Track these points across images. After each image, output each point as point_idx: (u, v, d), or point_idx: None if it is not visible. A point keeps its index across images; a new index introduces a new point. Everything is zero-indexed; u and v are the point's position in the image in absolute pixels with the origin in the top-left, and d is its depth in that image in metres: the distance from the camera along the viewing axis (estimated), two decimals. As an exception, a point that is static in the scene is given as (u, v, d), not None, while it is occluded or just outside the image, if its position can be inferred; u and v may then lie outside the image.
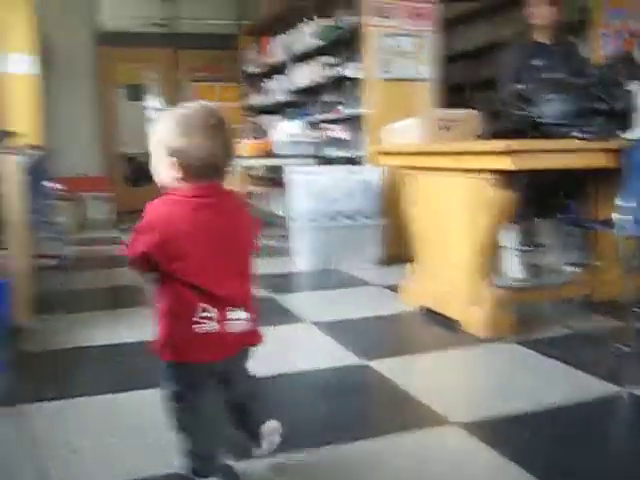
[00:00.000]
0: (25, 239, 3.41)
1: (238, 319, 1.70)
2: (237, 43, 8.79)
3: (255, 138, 6.64)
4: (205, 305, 1.65)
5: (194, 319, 1.65)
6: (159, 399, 1.76)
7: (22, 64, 6.44)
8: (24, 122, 6.25)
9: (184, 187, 1.68)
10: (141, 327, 3.41)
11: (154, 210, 1.68)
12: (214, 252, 1.67)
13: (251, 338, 1.79)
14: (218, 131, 1.67)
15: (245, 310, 1.72)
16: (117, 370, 2.85)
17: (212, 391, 1.78)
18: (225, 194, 1.74)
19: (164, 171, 1.70)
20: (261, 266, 4.71)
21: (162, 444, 1.94)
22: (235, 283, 1.72)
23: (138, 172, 9.67)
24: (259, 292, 3.92)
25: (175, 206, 1.66)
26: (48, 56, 7.43)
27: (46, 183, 4.46)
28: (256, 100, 8.20)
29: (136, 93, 9.74)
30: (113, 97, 9.36)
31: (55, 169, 7.80)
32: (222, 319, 1.67)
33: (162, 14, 9.46)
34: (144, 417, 2.26)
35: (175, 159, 1.66)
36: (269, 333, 3.20)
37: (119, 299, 4.29)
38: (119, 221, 8.32)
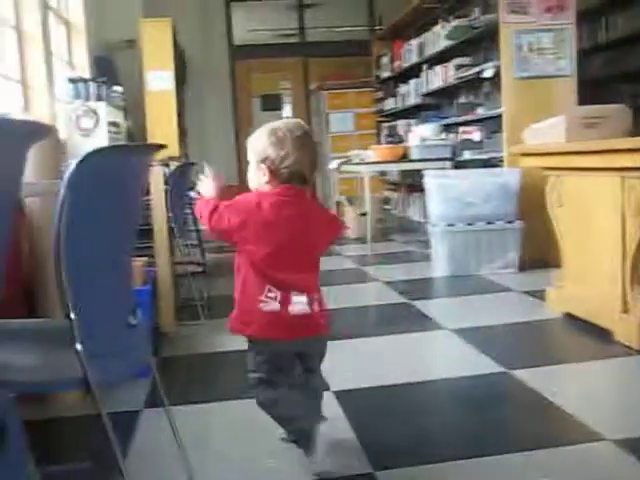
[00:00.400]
0: (169, 247, 3.56)
1: (299, 302, 1.88)
2: (370, 49, 8.80)
3: (390, 143, 6.60)
4: (270, 286, 1.87)
5: (260, 297, 1.87)
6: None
7: (162, 80, 6.79)
8: (164, 135, 6.60)
9: (273, 188, 1.90)
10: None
11: (245, 197, 1.93)
12: (286, 243, 1.87)
13: (317, 325, 1.95)
14: (305, 143, 1.89)
15: (307, 296, 1.89)
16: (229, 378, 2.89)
17: (289, 372, 1.96)
18: (307, 198, 1.97)
19: (255, 177, 1.93)
20: (399, 271, 4.67)
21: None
22: (298, 272, 1.91)
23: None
24: (396, 298, 4.00)
25: (264, 198, 1.88)
26: (186, 71, 7.79)
27: (189, 193, 4.63)
28: (390, 105, 8.16)
29: (270, 103, 10.01)
30: (248, 108, 9.65)
31: (195, 179, 8.18)
32: (284, 301, 1.86)
33: (293, 24, 9.65)
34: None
35: (265, 166, 1.88)
36: (408, 340, 3.21)
37: None
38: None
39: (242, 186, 7.46)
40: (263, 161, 1.88)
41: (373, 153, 5.99)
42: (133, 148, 1.36)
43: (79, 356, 1.20)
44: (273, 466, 1.99)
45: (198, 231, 4.89)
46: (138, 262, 2.91)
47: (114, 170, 1.28)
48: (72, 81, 5.34)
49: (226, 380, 2.85)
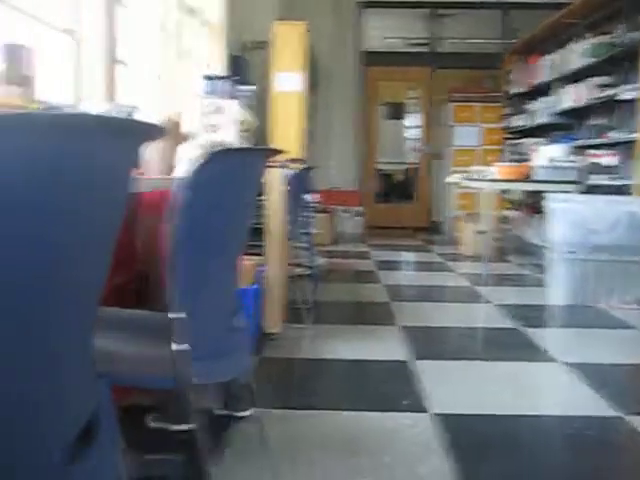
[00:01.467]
0: (283, 249, 3.57)
1: None
2: (501, 62, 8.57)
3: (515, 161, 6.38)
4: None
5: None
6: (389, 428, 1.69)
7: (291, 82, 6.87)
8: (289, 137, 6.69)
9: None
10: (388, 345, 3.42)
11: None
12: None
13: None
14: None
15: None
16: (358, 388, 2.84)
17: None
18: None
19: None
20: (513, 295, 4.49)
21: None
22: None
23: (390, 189, 9.86)
24: (507, 322, 3.84)
25: None
26: (314, 74, 7.86)
27: (306, 195, 4.66)
28: (518, 122, 7.90)
29: (395, 111, 9.95)
30: (373, 115, 9.63)
31: (314, 182, 8.26)
32: None
33: (424, 34, 9.54)
34: (385, 443, 2.22)
35: None
36: (516, 368, 3.06)
37: (363, 315, 4.31)
38: (367, 236, 8.54)
39: (360, 192, 7.45)
40: None
41: (496, 170, 5.80)
42: (252, 151, 1.34)
43: (176, 356, 1.20)
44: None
45: (309, 234, 4.90)
46: (249, 261, 2.93)
47: (232, 172, 1.28)
48: (207, 78, 5.50)
49: (325, 389, 2.83)
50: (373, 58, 9.32)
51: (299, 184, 3.95)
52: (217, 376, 1.51)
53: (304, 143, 7.04)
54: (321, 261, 5.63)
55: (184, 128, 4.99)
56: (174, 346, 1.21)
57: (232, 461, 2.05)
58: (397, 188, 9.86)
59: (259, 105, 6.78)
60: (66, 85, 3.50)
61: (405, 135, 10.08)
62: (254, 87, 6.16)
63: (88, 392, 0.87)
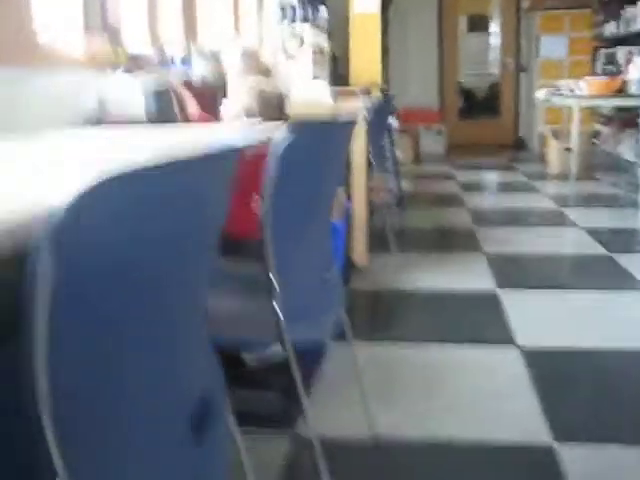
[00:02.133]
0: (366, 180, 3.55)
1: None
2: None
3: (606, 73, 6.05)
4: None
5: None
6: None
7: (367, 2, 6.66)
8: (368, 59, 6.54)
9: None
10: (473, 273, 3.42)
11: None
12: None
13: None
14: None
15: None
16: (445, 319, 2.87)
17: None
18: None
19: None
20: (602, 217, 4.33)
21: (492, 409, 1.93)
22: None
23: (473, 105, 9.57)
24: (597, 249, 3.73)
25: None
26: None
27: (389, 121, 4.58)
28: (611, 29, 7.38)
29: (477, 23, 9.53)
30: (454, 28, 9.26)
31: (395, 102, 8.10)
32: None
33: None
34: (471, 377, 2.26)
35: None
36: (606, 299, 3.00)
37: (447, 241, 4.30)
38: (449, 155, 8.39)
39: (442, 109, 7.24)
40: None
41: (585, 85, 5.53)
42: (338, 124, 1.34)
43: (277, 316, 1.25)
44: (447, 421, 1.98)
45: (394, 160, 4.84)
46: (338, 195, 2.95)
47: (321, 141, 1.29)
48: (281, 7, 5.42)
49: (412, 321, 2.86)
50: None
51: (381, 112, 3.89)
52: (313, 334, 1.56)
53: (383, 61, 6.87)
54: (405, 185, 5.57)
55: (263, 58, 4.95)
56: (275, 306, 1.26)
57: (323, 393, 2.14)
58: (481, 104, 9.53)
59: (339, 28, 6.63)
60: (144, 28, 3.52)
61: (488, 48, 9.67)
62: (325, 9, 6.02)
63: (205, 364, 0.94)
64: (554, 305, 2.97)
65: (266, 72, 2.66)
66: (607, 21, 7.51)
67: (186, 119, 2.33)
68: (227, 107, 2.34)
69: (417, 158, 7.69)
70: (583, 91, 5.58)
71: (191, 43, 3.54)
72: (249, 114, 2.31)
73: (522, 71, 9.02)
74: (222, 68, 3.07)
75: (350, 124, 1.32)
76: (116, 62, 2.74)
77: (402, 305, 3.04)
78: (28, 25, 2.29)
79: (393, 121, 5.41)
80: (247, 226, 1.41)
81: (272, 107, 2.31)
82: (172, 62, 3.19)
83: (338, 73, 6.52)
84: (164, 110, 2.22)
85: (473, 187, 6.06)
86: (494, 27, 9.51)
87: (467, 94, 9.51)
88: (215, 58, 3.01)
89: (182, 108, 2.30)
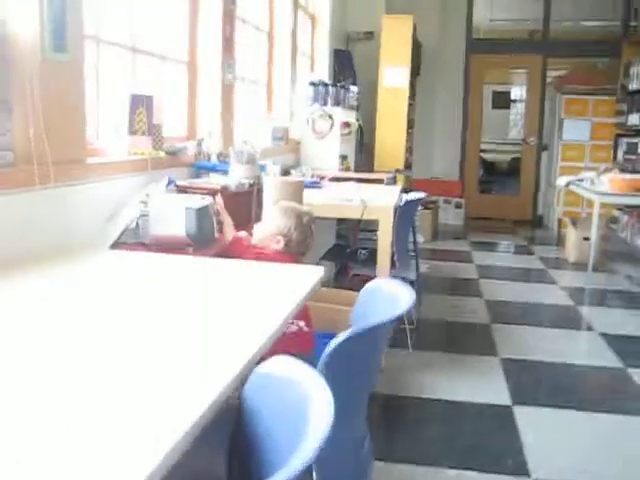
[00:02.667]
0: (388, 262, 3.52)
1: None
2: (620, 51, 8.11)
3: (627, 162, 6.09)
4: None
5: None
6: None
7: (398, 77, 6.80)
8: (394, 133, 6.67)
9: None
10: (489, 383, 3.43)
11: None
12: None
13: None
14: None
15: None
16: (458, 437, 2.88)
17: None
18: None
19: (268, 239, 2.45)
20: (620, 319, 4.33)
21: None
22: None
23: (493, 179, 9.67)
24: (613, 361, 3.63)
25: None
26: (416, 60, 7.71)
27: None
28: (635, 121, 7.44)
29: (501, 100, 9.70)
30: (478, 103, 9.41)
31: (416, 172, 8.21)
32: None
33: (534, 15, 9.11)
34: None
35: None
36: (625, 425, 2.93)
37: (463, 340, 4.25)
38: (468, 228, 8.45)
39: (461, 181, 7.28)
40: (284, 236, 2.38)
41: (607, 181, 5.61)
42: (379, 327, 1.40)
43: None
44: None
45: (415, 244, 4.84)
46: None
47: (364, 348, 1.35)
48: (313, 84, 5.55)
49: (425, 437, 2.88)
50: (481, 45, 9.06)
51: (408, 211, 3.95)
52: None
53: (407, 134, 6.97)
54: (424, 265, 5.58)
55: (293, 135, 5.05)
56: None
57: None
58: (501, 179, 9.64)
59: (367, 99, 6.77)
60: (182, 119, 3.64)
61: (511, 124, 9.82)
62: (356, 88, 6.14)
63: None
64: (570, 428, 2.98)
65: (297, 195, 2.75)
66: (631, 111, 7.61)
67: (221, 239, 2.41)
68: (261, 229, 2.43)
69: (435, 234, 7.75)
70: (605, 186, 5.65)
71: (228, 140, 3.65)
72: (284, 235, 2.39)
73: (544, 150, 9.12)
74: (257, 172, 3.17)
75: (390, 323, 1.38)
76: (158, 161, 2.84)
77: (417, 416, 3.06)
78: (82, 130, 2.39)
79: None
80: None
81: (305, 231, 2.41)
82: (209, 158, 3.29)
83: (363, 142, 6.64)
84: (204, 230, 2.29)
85: (490, 273, 6.09)
86: (519, 105, 9.67)
87: (488, 168, 9.62)
88: (252, 160, 3.10)
89: (220, 229, 2.38)
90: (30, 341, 1.29)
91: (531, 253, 7.19)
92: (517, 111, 9.80)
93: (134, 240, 2.36)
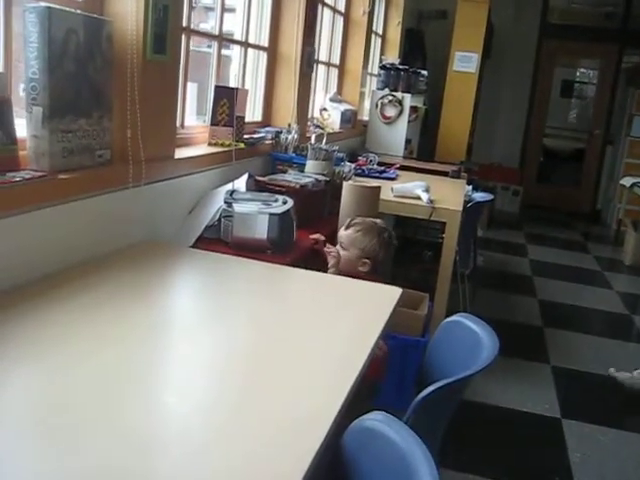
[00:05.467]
0: (449, 283, 3.55)
1: None
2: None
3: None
4: None
5: None
6: None
7: (468, 62, 6.71)
8: (458, 118, 6.61)
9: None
10: (539, 392, 3.46)
11: None
12: None
13: None
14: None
15: None
16: (505, 448, 2.94)
17: None
18: None
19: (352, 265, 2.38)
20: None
21: None
22: None
23: (554, 169, 9.51)
24: None
25: None
26: (490, 45, 7.57)
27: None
28: None
29: (569, 89, 9.47)
30: (546, 90, 9.21)
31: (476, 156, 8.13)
32: None
33: (613, 4, 8.82)
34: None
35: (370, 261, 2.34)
36: None
37: (515, 343, 4.20)
38: (523, 218, 8.37)
39: (520, 169, 7.18)
40: (369, 257, 2.33)
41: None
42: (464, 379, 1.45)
43: None
44: None
45: (475, 237, 4.81)
46: (417, 313, 3.04)
47: (448, 396, 1.41)
48: (384, 68, 5.53)
49: (474, 444, 2.93)
50: (555, 31, 8.83)
51: (474, 213, 3.96)
52: None
53: (473, 117, 6.89)
54: (479, 260, 5.55)
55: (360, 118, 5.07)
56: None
57: None
58: (562, 169, 9.47)
59: (434, 81, 6.72)
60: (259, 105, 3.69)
61: (577, 114, 9.61)
62: (426, 72, 6.09)
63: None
64: (620, 449, 3.00)
65: (373, 202, 2.75)
66: None
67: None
68: (346, 258, 2.39)
69: (491, 222, 7.69)
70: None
71: (304, 129, 3.68)
72: (370, 257, 2.37)
73: (609, 144, 8.93)
74: (333, 168, 3.21)
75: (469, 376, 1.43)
76: (238, 152, 2.90)
77: (470, 421, 3.10)
78: (173, 128, 2.47)
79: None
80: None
81: (389, 249, 2.40)
82: (286, 150, 3.34)
83: (427, 125, 6.60)
84: (284, 235, 2.36)
85: (544, 270, 6.06)
86: (588, 95, 9.45)
87: (549, 158, 9.45)
88: (329, 157, 3.14)
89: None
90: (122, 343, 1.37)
91: (587, 251, 7.11)
92: (585, 101, 9.56)
93: (214, 236, 2.44)
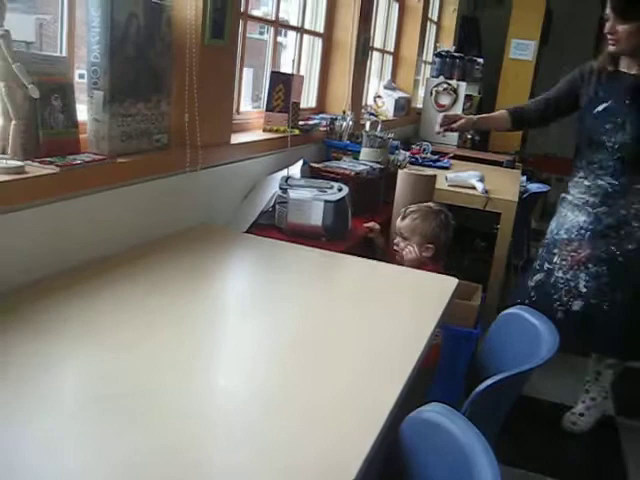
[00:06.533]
0: (503, 275, 3.49)
1: None
2: None
3: None
4: None
5: None
6: None
7: (525, 50, 6.57)
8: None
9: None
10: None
11: None
12: None
13: None
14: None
15: None
16: (558, 445, 2.88)
17: None
18: None
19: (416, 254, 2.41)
20: None
21: None
22: None
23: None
24: None
25: None
26: (549, 30, 7.38)
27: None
28: None
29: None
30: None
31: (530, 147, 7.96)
32: None
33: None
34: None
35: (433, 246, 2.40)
36: None
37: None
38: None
39: (569, 160, 6.96)
40: (432, 242, 2.36)
41: None
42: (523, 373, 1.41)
43: None
44: None
45: (529, 229, 4.72)
46: (470, 303, 2.99)
47: (506, 391, 1.38)
48: (439, 55, 5.45)
49: (526, 441, 2.88)
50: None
51: (527, 205, 3.88)
52: None
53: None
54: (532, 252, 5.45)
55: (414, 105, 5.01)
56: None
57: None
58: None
59: (489, 69, 6.59)
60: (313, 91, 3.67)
61: None
62: (482, 60, 5.97)
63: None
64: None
65: (428, 190, 2.73)
66: None
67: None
68: (408, 251, 2.42)
69: (544, 213, 7.52)
70: None
71: (358, 116, 3.66)
72: (431, 242, 2.38)
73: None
74: (388, 156, 3.17)
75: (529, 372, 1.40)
76: (293, 139, 2.90)
77: (522, 415, 3.05)
78: (229, 113, 2.47)
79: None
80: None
81: (450, 228, 2.41)
82: (340, 137, 3.32)
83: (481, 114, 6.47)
84: (339, 222, 2.34)
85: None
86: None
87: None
88: (384, 145, 3.10)
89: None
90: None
91: None
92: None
93: (269, 222, 2.44)
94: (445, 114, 2.85)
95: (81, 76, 1.87)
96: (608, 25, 2.38)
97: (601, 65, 2.54)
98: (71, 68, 1.78)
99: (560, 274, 2.66)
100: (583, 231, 2.60)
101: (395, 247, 2.46)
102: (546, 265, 2.72)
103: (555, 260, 2.69)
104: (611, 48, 2.43)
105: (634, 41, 2.35)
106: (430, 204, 2.50)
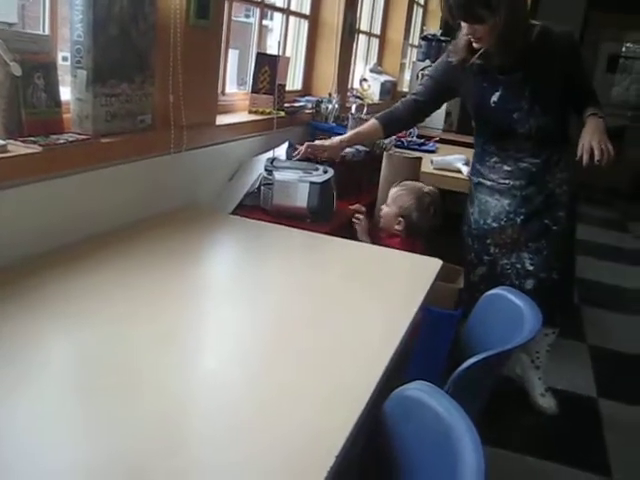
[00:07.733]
0: None
1: None
2: None
3: None
4: None
5: None
6: None
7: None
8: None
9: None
10: (576, 371, 3.41)
11: None
12: None
13: None
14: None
15: None
16: (547, 427, 2.90)
17: None
18: None
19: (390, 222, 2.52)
20: None
21: None
22: None
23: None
24: None
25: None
26: (534, 17, 7.36)
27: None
28: None
29: (615, 65, 9.22)
30: (592, 65, 8.97)
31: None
32: None
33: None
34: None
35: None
36: None
37: None
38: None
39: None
40: (403, 217, 2.43)
41: None
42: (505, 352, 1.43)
43: None
44: None
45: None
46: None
47: (488, 370, 1.39)
48: (425, 39, 5.44)
49: (510, 421, 2.91)
50: (599, 2, 8.54)
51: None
52: None
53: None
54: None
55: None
56: None
57: None
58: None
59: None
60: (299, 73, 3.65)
61: (622, 90, 9.36)
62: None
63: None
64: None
65: (413, 172, 2.74)
66: None
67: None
68: (386, 212, 2.45)
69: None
70: None
71: (344, 99, 3.65)
72: (404, 216, 2.42)
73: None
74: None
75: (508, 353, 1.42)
76: (279, 121, 2.89)
77: (503, 396, 3.07)
78: (214, 94, 2.46)
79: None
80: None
81: (425, 212, 2.43)
82: (326, 120, 3.32)
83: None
84: (324, 204, 2.34)
85: (582, 249, 5.95)
86: (635, 69, 9.20)
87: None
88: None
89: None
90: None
91: (626, 230, 6.96)
92: (632, 77, 9.31)
93: (254, 203, 2.44)
94: (309, 144, 2.62)
95: (64, 59, 1.85)
96: (465, 31, 2.35)
97: (466, 57, 2.46)
98: (54, 47, 1.76)
99: (505, 261, 2.67)
100: (512, 215, 2.59)
101: (356, 221, 2.53)
102: (485, 257, 2.72)
103: (492, 250, 2.69)
104: (477, 46, 2.39)
105: (495, 34, 2.30)
106: (426, 187, 2.51)
